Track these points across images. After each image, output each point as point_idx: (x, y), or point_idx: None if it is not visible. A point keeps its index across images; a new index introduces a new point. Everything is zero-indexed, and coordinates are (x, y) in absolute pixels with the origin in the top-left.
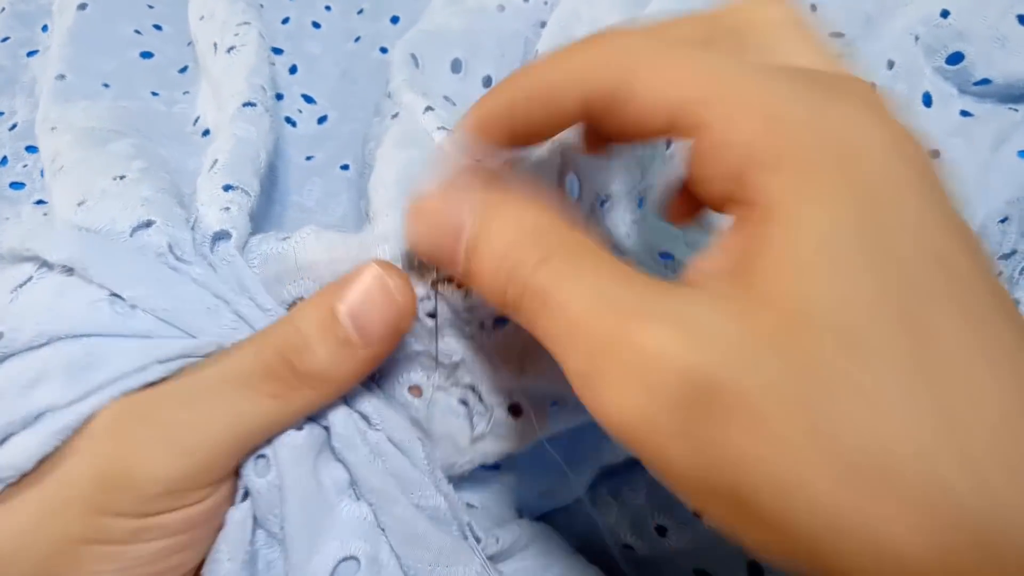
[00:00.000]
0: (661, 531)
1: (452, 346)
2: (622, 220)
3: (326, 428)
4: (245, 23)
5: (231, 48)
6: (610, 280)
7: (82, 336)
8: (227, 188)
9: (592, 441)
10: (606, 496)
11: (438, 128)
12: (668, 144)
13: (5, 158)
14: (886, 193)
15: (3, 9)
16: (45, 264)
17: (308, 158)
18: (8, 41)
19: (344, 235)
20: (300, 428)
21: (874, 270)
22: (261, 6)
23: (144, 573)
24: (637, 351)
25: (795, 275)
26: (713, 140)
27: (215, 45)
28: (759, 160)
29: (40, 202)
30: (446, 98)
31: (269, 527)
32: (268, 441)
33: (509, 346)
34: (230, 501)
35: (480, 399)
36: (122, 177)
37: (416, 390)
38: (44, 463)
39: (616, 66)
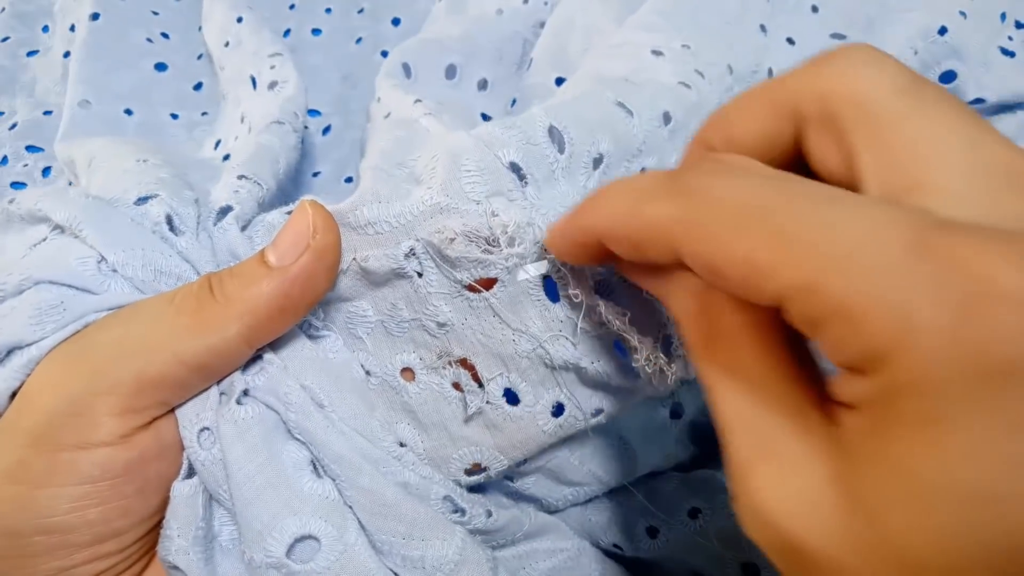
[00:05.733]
0: (652, 532)
1: (440, 308)
2: None
3: (276, 413)
4: (278, 54)
5: (273, 83)
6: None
7: (63, 285)
8: (240, 177)
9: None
10: (601, 496)
11: (426, 114)
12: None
13: (5, 158)
14: None
15: (3, 9)
16: (59, 226)
17: (315, 174)
18: (8, 41)
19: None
20: (242, 403)
21: None
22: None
23: (60, 523)
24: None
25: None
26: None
27: (253, 79)
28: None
29: (16, 185)
30: (439, 103)
31: (223, 503)
32: (212, 412)
33: (505, 312)
34: (155, 465)
35: (474, 377)
36: (145, 160)
37: (408, 373)
38: None
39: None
